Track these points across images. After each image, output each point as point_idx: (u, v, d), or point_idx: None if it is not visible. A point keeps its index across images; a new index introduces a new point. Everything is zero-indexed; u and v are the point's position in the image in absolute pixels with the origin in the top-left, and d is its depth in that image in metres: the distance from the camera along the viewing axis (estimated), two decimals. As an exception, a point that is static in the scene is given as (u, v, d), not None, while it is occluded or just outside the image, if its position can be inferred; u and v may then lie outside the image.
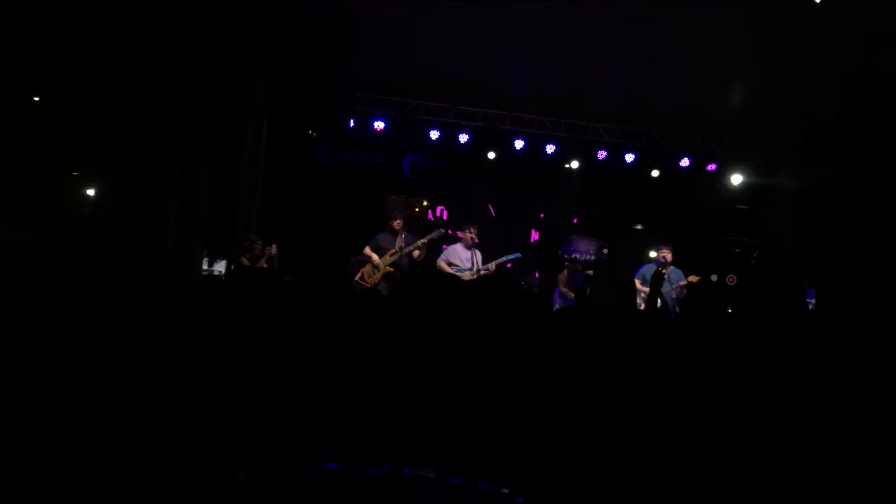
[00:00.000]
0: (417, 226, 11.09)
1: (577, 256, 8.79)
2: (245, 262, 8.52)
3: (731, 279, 8.19)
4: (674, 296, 8.70)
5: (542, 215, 12.73)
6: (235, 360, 2.39)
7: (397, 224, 8.74)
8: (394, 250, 8.63)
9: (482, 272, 9.03)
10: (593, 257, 8.87)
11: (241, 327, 3.11)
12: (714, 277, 8.29)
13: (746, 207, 8.86)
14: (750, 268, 8.20)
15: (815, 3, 7.75)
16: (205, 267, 10.25)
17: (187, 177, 9.27)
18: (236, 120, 9.84)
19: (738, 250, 8.32)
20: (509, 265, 9.50)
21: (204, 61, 8.79)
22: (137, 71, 8.74)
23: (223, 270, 10.38)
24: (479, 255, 9.18)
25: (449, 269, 8.93)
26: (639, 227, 12.61)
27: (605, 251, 8.85)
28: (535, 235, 12.74)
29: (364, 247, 8.84)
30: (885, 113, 9.44)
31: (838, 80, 9.62)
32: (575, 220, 12.28)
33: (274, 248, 8.79)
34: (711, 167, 11.94)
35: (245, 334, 2.94)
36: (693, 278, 8.67)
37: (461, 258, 9.09)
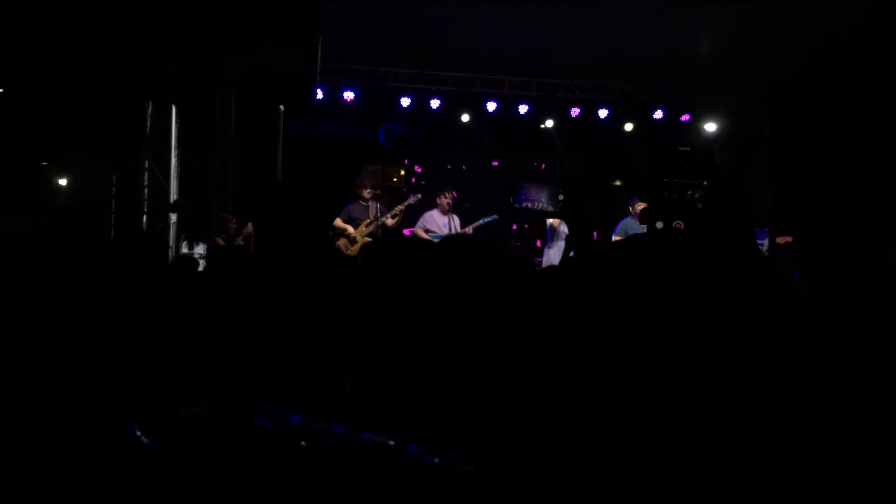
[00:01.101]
0: (398, 195, 11.08)
1: (528, 205, 8.76)
2: (220, 241, 8.48)
3: (678, 224, 8.09)
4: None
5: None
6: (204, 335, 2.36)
7: (367, 193, 8.73)
8: (368, 220, 8.61)
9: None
10: (546, 205, 8.84)
11: (215, 305, 3.09)
12: (660, 224, 8.21)
13: (689, 149, 8.78)
14: (696, 211, 8.08)
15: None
16: (185, 250, 10.18)
17: (158, 159, 9.16)
18: (205, 99, 9.70)
19: (678, 193, 8.23)
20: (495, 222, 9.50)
21: (170, 40, 8.63)
22: (102, 54, 8.58)
23: (203, 252, 10.32)
24: (456, 219, 9.18)
25: (426, 236, 8.92)
26: (617, 182, 12.62)
27: (561, 197, 8.81)
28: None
29: (335, 219, 8.81)
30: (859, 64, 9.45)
31: (810, 29, 9.60)
32: (542, 167, 12.27)
33: (250, 227, 8.76)
34: (685, 118, 11.95)
35: (217, 310, 2.93)
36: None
37: (438, 224, 9.09)
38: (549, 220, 9.04)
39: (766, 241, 8.39)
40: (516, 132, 11.71)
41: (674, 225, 8.46)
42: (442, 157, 12.07)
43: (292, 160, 11.21)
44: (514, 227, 11.91)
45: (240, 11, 8.81)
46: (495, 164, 12.39)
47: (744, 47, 10.22)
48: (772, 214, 11.13)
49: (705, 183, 8.14)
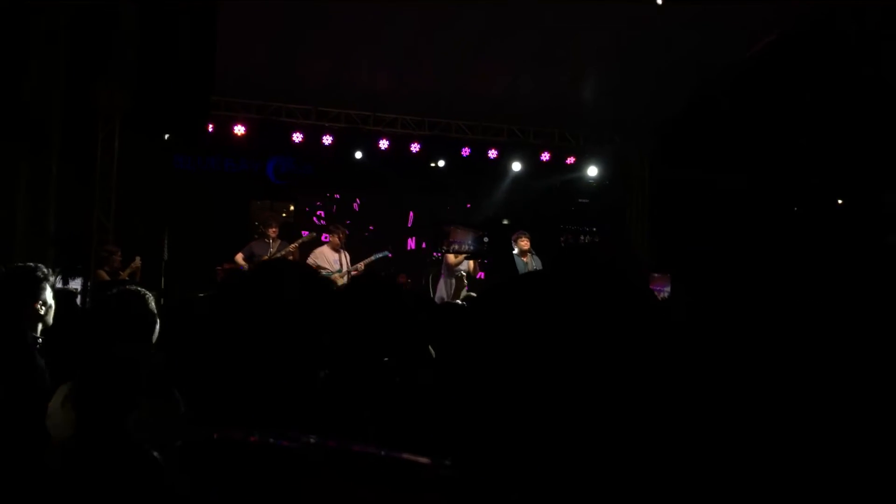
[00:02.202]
0: (288, 230, 10.95)
1: (457, 248, 8.95)
2: (104, 275, 8.15)
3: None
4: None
5: (410, 214, 12.83)
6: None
7: (273, 232, 8.72)
8: (266, 257, 8.52)
9: (352, 273, 9.03)
10: (472, 247, 9.05)
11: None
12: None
13: (587, 201, 9.31)
14: (591, 256, 8.63)
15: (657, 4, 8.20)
16: (59, 285, 9.70)
17: (35, 191, 8.75)
18: (87, 128, 9.36)
19: (570, 239, 8.74)
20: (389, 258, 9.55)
21: (52, 65, 8.31)
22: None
23: (79, 287, 9.87)
24: (347, 256, 9.18)
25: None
26: (505, 221, 12.93)
27: (486, 240, 9.07)
28: (410, 243, 12.84)
29: (235, 254, 8.67)
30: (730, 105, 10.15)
31: (684, 76, 10.27)
32: (449, 208, 12.49)
33: (138, 261, 8.48)
34: (570, 160, 12.42)
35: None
36: None
37: (329, 260, 9.06)
38: (447, 257, 9.19)
39: (666, 289, 8.82)
40: (408, 170, 11.84)
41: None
42: (332, 193, 12.05)
43: (179, 192, 10.93)
44: (404, 278, 11.99)
45: (129, 36, 8.61)
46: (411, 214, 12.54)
47: (622, 94, 10.81)
48: (650, 249, 11.71)
49: (594, 230, 8.62)
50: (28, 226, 8.47)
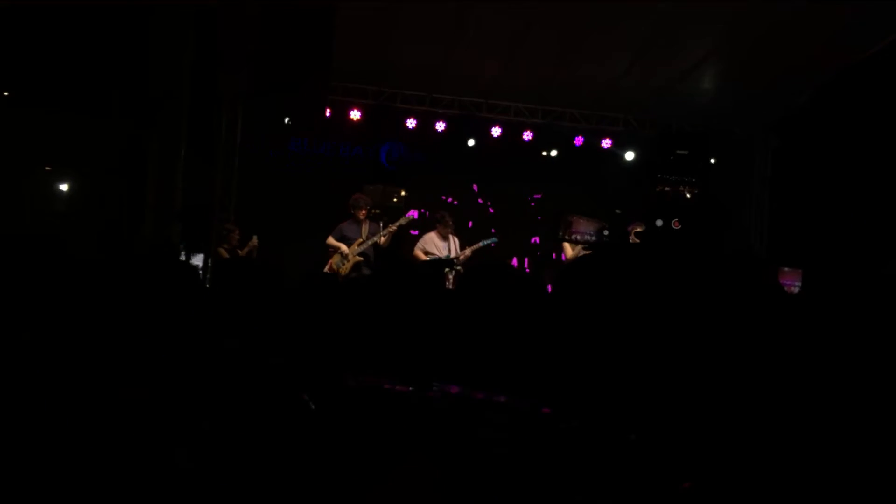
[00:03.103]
0: (398, 215, 11.10)
1: (578, 237, 8.82)
2: (223, 252, 8.49)
3: (676, 223, 8.25)
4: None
5: (532, 200, 12.71)
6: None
7: (362, 214, 8.78)
8: (361, 239, 8.65)
9: (460, 258, 9.07)
10: (594, 238, 8.90)
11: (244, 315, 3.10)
12: (659, 223, 8.34)
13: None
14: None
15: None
16: (182, 259, 10.18)
17: (163, 169, 9.19)
18: (212, 110, 9.76)
19: (669, 189, 8.38)
20: (493, 246, 9.53)
21: (179, 52, 8.70)
22: (112, 64, 8.65)
23: (200, 263, 10.32)
24: (456, 241, 9.23)
25: (425, 258, 8.96)
26: (618, 211, 12.67)
27: (606, 232, 8.90)
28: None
29: (327, 237, 8.85)
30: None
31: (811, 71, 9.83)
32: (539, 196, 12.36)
33: (255, 240, 8.79)
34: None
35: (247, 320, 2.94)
36: None
37: (438, 246, 9.13)
38: (565, 245, 9.07)
39: (797, 284, 8.44)
40: (519, 159, 11.77)
41: (672, 224, 8.59)
42: (444, 179, 12.08)
43: (294, 176, 11.27)
44: (514, 261, 11.92)
45: (252, 23, 8.90)
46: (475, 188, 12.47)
47: (743, 85, 10.40)
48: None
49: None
50: (157, 203, 8.92)
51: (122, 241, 8.60)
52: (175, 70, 8.93)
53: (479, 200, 12.31)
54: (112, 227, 8.96)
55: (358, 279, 8.22)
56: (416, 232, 10.50)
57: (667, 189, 8.80)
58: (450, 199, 12.06)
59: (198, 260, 10.53)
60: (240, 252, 8.61)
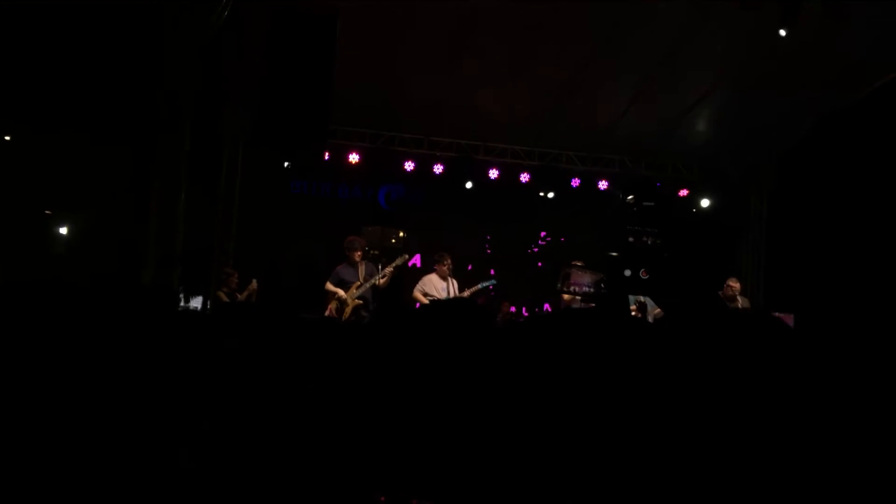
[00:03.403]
0: (393, 257, 11.13)
1: (576, 289, 8.83)
2: (223, 296, 8.50)
3: (644, 273, 8.35)
4: (650, 321, 8.86)
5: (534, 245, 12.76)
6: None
7: (357, 256, 8.75)
8: (358, 283, 8.64)
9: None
10: (591, 290, 8.91)
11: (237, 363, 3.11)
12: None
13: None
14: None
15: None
16: (181, 303, 10.18)
17: (164, 210, 9.22)
18: (213, 151, 9.83)
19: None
20: (491, 291, 9.55)
21: (183, 91, 8.80)
22: (114, 98, 8.74)
23: (199, 306, 10.32)
24: (455, 283, 9.24)
25: (425, 300, 8.97)
26: (614, 253, 12.72)
27: (603, 285, 8.92)
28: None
29: (326, 283, 8.82)
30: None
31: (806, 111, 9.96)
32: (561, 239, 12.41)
33: (255, 283, 8.80)
34: (683, 193, 12.16)
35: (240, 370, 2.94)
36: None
37: (437, 288, 9.13)
38: (562, 296, 9.10)
39: None
40: (517, 200, 11.86)
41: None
42: (442, 221, 12.15)
43: (293, 217, 11.32)
44: (513, 308, 11.89)
45: (255, 66, 9.01)
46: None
47: (737, 125, 10.54)
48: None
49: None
50: (157, 246, 8.94)
51: (121, 284, 8.61)
52: (176, 111, 9.02)
53: (485, 246, 12.37)
54: (112, 269, 8.99)
55: (356, 324, 8.22)
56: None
57: (631, 239, 8.96)
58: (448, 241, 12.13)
59: (196, 303, 10.55)
60: (239, 296, 8.62)
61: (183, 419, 2.35)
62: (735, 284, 9.26)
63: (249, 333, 3.43)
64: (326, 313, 8.60)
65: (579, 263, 9.02)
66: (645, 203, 9.48)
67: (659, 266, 8.89)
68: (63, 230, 11.83)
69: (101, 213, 10.20)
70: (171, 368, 3.30)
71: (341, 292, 8.63)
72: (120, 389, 2.68)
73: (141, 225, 9.30)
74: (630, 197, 9.46)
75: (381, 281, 8.69)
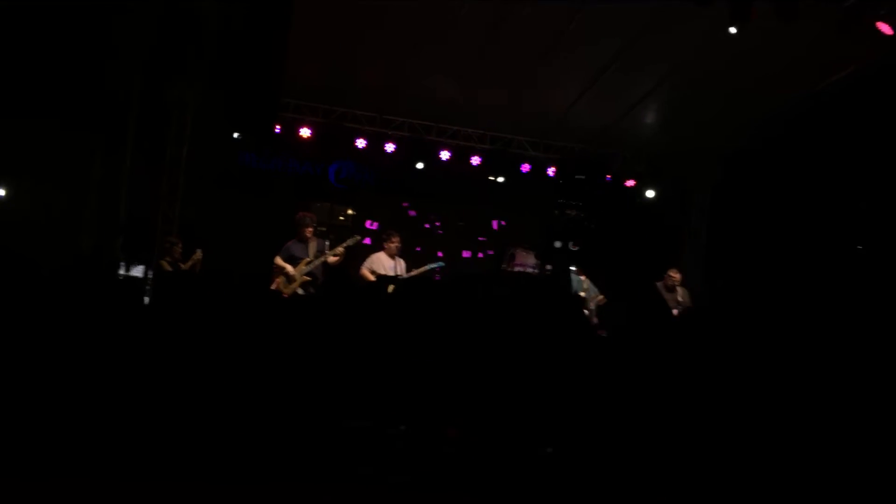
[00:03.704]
0: (342, 233, 11.10)
1: (520, 269, 8.95)
2: (166, 265, 8.38)
3: (573, 245, 8.63)
4: (592, 306, 9.02)
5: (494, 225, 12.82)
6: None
7: (308, 232, 8.69)
8: (308, 259, 8.59)
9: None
10: (536, 270, 9.05)
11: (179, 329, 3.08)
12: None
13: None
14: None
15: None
16: (122, 271, 10.00)
17: (107, 178, 9.03)
18: (160, 123, 9.64)
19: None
20: (438, 273, 9.58)
21: (132, 59, 8.60)
22: (60, 65, 8.49)
23: (140, 275, 10.15)
24: (402, 262, 9.25)
25: (372, 278, 8.97)
26: (558, 244, 12.87)
27: (549, 267, 9.06)
28: (465, 254, 12.88)
29: (275, 257, 8.75)
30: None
31: (754, 107, 10.15)
32: (503, 223, 12.50)
33: (199, 253, 8.68)
34: (630, 183, 12.36)
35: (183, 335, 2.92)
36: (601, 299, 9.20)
37: (385, 266, 9.13)
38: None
39: None
40: (467, 183, 11.90)
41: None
42: (391, 200, 12.15)
43: (241, 189, 11.16)
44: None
45: (205, 35, 8.85)
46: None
47: (688, 121, 10.73)
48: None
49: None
50: (99, 213, 8.77)
51: (59, 250, 8.43)
52: (126, 77, 8.82)
53: (427, 225, 12.41)
54: (51, 235, 8.77)
55: (302, 297, 8.19)
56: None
57: (566, 212, 9.15)
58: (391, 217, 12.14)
59: (137, 271, 10.37)
60: (182, 266, 8.50)
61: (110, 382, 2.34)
62: (676, 275, 9.48)
63: (191, 302, 3.41)
64: (273, 287, 8.53)
65: (524, 245, 9.15)
66: (576, 176, 9.65)
67: (586, 238, 9.09)
68: (1, 192, 11.48)
69: (40, 178, 9.93)
70: (103, 335, 3.26)
71: (289, 267, 8.56)
72: (54, 353, 2.65)
73: (82, 191, 9.10)
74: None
75: (333, 259, 8.65)
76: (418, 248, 11.45)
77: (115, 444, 1.90)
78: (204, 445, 1.84)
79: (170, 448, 1.90)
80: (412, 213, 12.58)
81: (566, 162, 10.35)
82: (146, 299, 6.61)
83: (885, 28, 7.63)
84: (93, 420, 1.99)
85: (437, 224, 12.49)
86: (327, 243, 8.85)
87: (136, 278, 8.50)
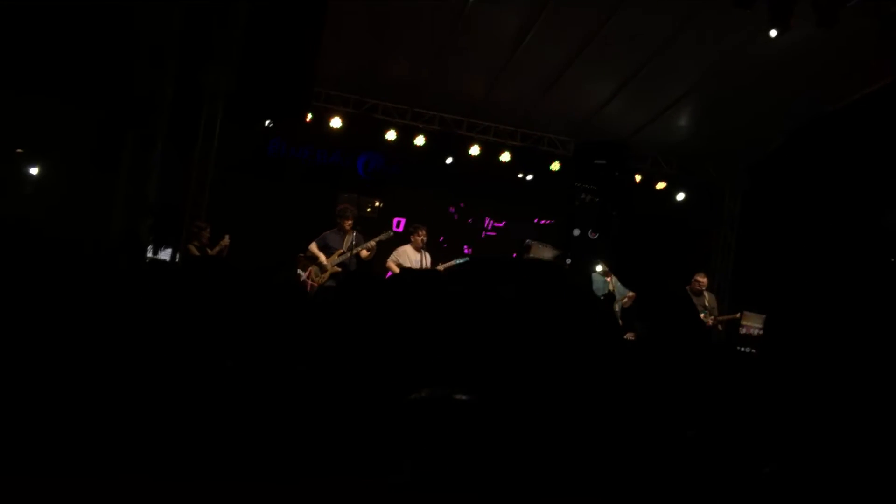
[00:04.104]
0: (368, 226, 11.12)
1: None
2: (193, 249, 8.43)
3: (593, 233, 8.52)
4: (617, 308, 8.94)
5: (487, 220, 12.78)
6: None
7: (348, 224, 8.71)
8: (342, 250, 8.60)
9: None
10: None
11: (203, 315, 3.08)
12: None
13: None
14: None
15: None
16: (149, 254, 10.08)
17: (138, 160, 9.09)
18: (193, 106, 9.69)
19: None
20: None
21: (164, 46, 8.64)
22: (96, 52, 8.58)
23: (167, 258, 10.23)
24: (428, 256, 9.25)
25: (397, 270, 8.97)
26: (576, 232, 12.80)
27: (568, 260, 9.00)
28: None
29: (310, 244, 8.78)
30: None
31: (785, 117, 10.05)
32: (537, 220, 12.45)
33: (227, 239, 8.74)
34: (661, 185, 12.24)
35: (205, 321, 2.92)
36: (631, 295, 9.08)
37: (411, 259, 9.13)
38: None
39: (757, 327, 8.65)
40: (496, 179, 11.84)
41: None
42: (419, 194, 12.10)
43: (269, 178, 11.21)
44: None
45: (239, 22, 8.88)
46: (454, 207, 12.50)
47: (716, 125, 10.61)
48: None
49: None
50: (129, 195, 8.82)
51: (89, 231, 8.51)
52: (160, 62, 8.86)
53: (456, 217, 12.36)
54: (81, 215, 8.87)
55: (322, 291, 8.20)
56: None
57: (584, 197, 9.04)
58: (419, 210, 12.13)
59: (165, 255, 10.44)
60: (209, 251, 8.55)
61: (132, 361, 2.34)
62: (703, 279, 9.38)
63: (217, 288, 3.41)
64: (305, 275, 8.55)
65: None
66: (596, 161, 9.53)
67: (606, 225, 8.97)
68: (34, 170, 11.62)
69: (73, 158, 10.04)
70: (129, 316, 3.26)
71: (322, 257, 8.60)
72: (81, 333, 2.65)
73: (113, 173, 9.16)
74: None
75: (365, 253, 8.66)
76: (442, 239, 11.44)
77: (135, 437, 1.89)
78: (218, 440, 1.83)
79: (185, 442, 1.89)
80: (448, 208, 12.50)
81: (585, 146, 10.20)
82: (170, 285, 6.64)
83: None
84: (120, 409, 1.99)
85: (469, 221, 12.44)
86: (364, 237, 8.88)
87: (163, 261, 8.56)
